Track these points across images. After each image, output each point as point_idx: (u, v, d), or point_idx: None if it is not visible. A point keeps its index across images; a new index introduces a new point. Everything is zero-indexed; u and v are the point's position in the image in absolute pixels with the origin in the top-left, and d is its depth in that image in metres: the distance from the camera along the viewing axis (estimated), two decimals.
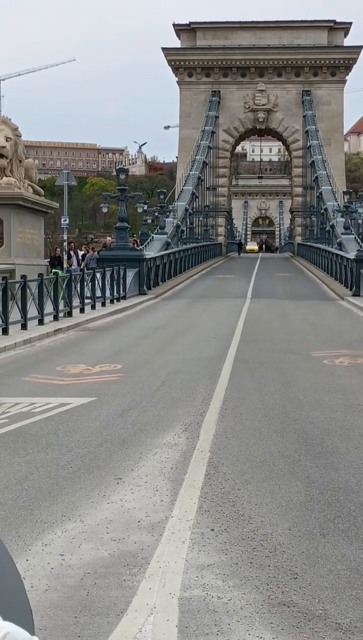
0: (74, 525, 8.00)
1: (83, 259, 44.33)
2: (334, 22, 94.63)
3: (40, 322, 26.54)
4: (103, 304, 34.77)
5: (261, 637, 5.73)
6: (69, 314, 29.83)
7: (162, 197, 65.12)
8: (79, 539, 7.62)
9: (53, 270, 34.80)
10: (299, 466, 10.19)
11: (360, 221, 68.39)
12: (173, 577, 6.74)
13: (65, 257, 41.56)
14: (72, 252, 42.85)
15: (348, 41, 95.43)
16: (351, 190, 75.59)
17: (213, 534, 7.80)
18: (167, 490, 9.19)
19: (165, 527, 7.97)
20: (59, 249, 42.89)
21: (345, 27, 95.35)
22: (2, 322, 23.66)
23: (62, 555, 7.21)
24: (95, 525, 8.01)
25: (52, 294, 28.56)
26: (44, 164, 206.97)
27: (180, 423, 12.60)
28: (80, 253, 45.77)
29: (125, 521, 8.13)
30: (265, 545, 7.48)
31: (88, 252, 46.25)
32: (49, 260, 40.87)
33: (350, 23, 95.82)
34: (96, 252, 46.70)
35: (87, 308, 32.25)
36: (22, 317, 25.06)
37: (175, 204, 71.18)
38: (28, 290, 25.81)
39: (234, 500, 8.83)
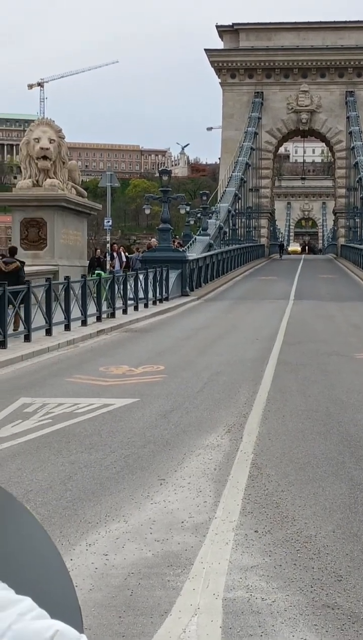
0: (118, 525, 8.02)
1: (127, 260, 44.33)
2: None
3: (84, 323, 26.65)
4: (146, 305, 34.81)
5: (305, 639, 5.71)
6: (112, 315, 29.90)
7: (204, 198, 65.12)
8: (123, 539, 7.65)
9: (96, 272, 34.84)
10: (343, 468, 10.15)
11: None
12: (217, 578, 6.74)
13: (108, 258, 41.59)
14: (115, 254, 42.90)
15: None
16: None
17: (257, 535, 7.79)
18: (210, 491, 9.19)
19: (208, 528, 7.97)
20: (99, 250, 42.95)
21: None
22: (46, 323, 23.80)
23: (106, 555, 7.23)
24: (139, 525, 8.03)
25: (95, 295, 28.68)
26: (86, 166, 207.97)
27: (223, 424, 12.59)
28: (123, 255, 45.70)
29: (168, 522, 8.14)
30: (309, 547, 7.46)
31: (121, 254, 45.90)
32: (88, 262, 40.80)
33: None
34: (140, 253, 46.74)
35: (130, 309, 32.33)
36: (65, 318, 25.19)
37: (218, 205, 71.12)
38: (71, 292, 25.94)
39: (278, 502, 8.82)
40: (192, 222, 69.45)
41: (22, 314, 22.58)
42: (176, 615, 6.08)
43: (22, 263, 25.79)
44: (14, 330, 22.47)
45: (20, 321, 22.71)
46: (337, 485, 9.40)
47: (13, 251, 26.70)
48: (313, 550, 7.38)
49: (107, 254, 42.15)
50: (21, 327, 22.63)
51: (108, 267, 39.47)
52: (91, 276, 31.19)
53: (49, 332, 23.76)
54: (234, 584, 6.65)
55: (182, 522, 8.15)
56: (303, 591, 6.52)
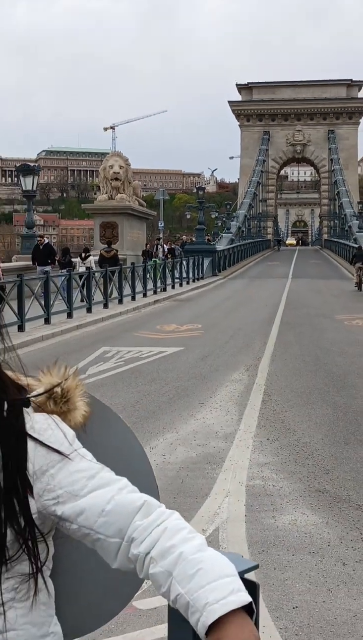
0: (171, 435, 8.06)
1: (169, 252, 43.98)
2: (351, 80, 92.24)
3: (144, 295, 26.65)
4: (187, 283, 34.69)
5: (304, 514, 5.73)
6: (164, 290, 29.84)
7: (228, 207, 64.70)
8: (175, 444, 7.68)
9: (153, 260, 34.75)
10: (328, 395, 10.11)
11: None
12: (241, 471, 6.76)
13: (162, 248, 41.47)
14: (160, 246, 42.70)
15: (362, 94, 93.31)
16: None
17: (269, 442, 7.80)
18: (235, 411, 9.20)
19: (234, 436, 7.99)
20: (148, 245, 42.69)
21: (359, 84, 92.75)
22: (118, 294, 23.88)
23: (164, 455, 7.28)
24: (186, 434, 8.07)
25: (152, 275, 28.69)
26: (145, 185, 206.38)
27: (243, 365, 12.57)
28: (166, 247, 45.34)
29: (206, 432, 8.17)
30: (305, 450, 7.45)
31: (164, 247, 45.25)
32: (141, 254, 40.47)
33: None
34: (178, 246, 46.58)
35: (176, 285, 32.25)
36: (131, 292, 25.20)
37: (238, 212, 70.41)
38: (136, 273, 25.97)
39: (283, 418, 8.81)
40: (219, 224, 69.03)
41: (101, 289, 22.66)
42: (213, 497, 6.11)
43: (117, 251, 26.56)
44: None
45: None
46: (324, 408, 9.37)
47: (110, 243, 28.02)
48: (308, 452, 7.38)
49: (158, 245, 42.05)
50: (100, 298, 22.70)
51: (161, 255, 39.25)
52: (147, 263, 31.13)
53: (120, 302, 23.80)
54: (253, 475, 6.67)
55: (216, 432, 8.17)
56: (302, 480, 6.52)
